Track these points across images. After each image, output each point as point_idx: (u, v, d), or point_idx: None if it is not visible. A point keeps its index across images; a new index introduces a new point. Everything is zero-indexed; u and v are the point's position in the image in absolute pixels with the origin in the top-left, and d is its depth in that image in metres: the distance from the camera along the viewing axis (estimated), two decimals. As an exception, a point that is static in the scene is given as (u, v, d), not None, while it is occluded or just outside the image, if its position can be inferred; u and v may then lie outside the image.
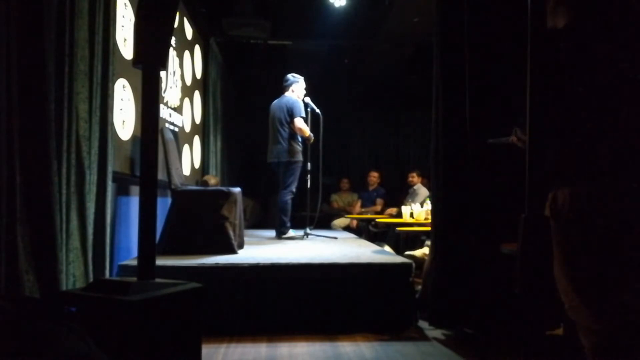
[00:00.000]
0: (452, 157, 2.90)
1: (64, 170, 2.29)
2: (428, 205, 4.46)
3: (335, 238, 4.72)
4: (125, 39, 3.30)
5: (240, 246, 3.59)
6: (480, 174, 2.81)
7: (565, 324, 2.32)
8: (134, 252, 3.29)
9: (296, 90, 4.76)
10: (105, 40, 2.71)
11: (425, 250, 4.14)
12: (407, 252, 4.24)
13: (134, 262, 2.57)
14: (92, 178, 2.52)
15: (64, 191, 2.29)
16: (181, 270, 2.80)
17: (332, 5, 5.71)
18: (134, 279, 1.92)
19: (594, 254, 1.37)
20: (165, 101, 4.29)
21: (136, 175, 3.40)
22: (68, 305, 1.79)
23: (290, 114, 4.57)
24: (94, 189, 2.54)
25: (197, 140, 5.64)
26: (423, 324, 3.00)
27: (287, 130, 4.60)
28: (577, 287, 1.42)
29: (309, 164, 4.72)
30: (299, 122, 4.54)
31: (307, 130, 4.60)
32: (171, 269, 2.80)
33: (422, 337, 2.81)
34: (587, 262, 1.38)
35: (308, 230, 4.73)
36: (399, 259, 3.24)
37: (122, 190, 3.33)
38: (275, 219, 4.76)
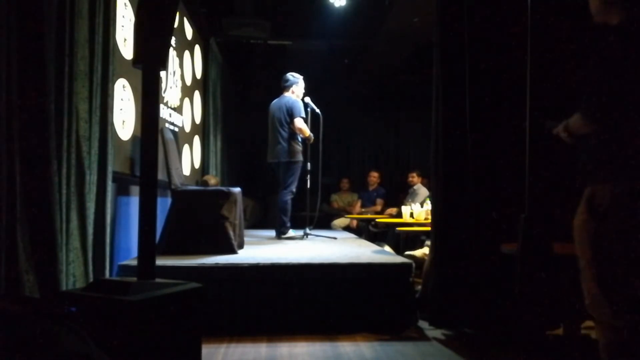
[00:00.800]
0: (452, 157, 2.90)
1: (64, 170, 2.29)
2: (428, 205, 4.46)
3: (335, 238, 4.72)
4: (125, 39, 3.30)
5: (240, 246, 3.59)
6: (480, 174, 2.81)
7: (565, 324, 2.32)
8: (134, 252, 3.29)
9: (296, 91, 4.75)
10: (105, 40, 2.71)
11: (425, 250, 4.13)
12: (407, 252, 4.24)
13: (134, 262, 2.57)
14: (92, 178, 2.52)
15: (64, 191, 2.29)
16: (181, 270, 2.80)
17: (332, 5, 5.71)
18: (134, 279, 1.92)
19: (628, 250, 1.38)
20: (165, 101, 4.29)
21: (136, 175, 3.40)
22: (68, 305, 1.78)
23: (290, 114, 4.57)
24: (94, 189, 2.54)
25: (197, 140, 5.64)
26: (423, 324, 2.99)
27: (286, 130, 4.59)
28: (603, 282, 1.43)
29: (309, 164, 4.72)
30: (299, 123, 4.54)
31: (307, 131, 4.59)
32: (171, 269, 2.80)
33: (422, 337, 2.81)
34: (619, 259, 1.39)
35: (308, 230, 4.72)
36: (399, 259, 3.24)
37: (122, 190, 3.33)
38: (275, 219, 4.75)
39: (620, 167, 1.41)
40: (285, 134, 4.58)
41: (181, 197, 3.50)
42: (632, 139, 1.40)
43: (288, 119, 4.58)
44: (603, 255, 1.43)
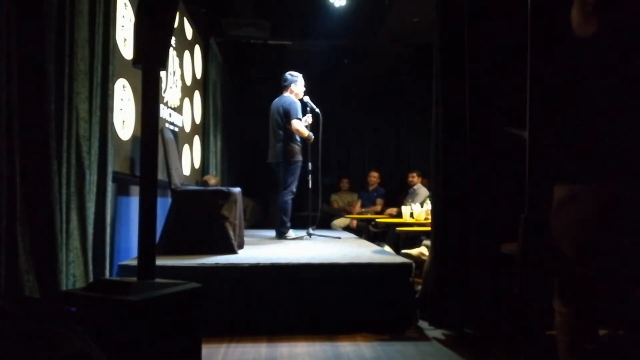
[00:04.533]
0: (452, 157, 2.90)
1: (64, 170, 2.29)
2: (428, 205, 4.46)
3: (339, 238, 4.72)
4: (125, 39, 3.30)
5: (240, 246, 3.59)
6: (480, 174, 2.81)
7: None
8: (134, 252, 3.29)
9: (295, 90, 4.73)
10: (105, 40, 2.71)
11: (422, 249, 4.14)
12: (404, 251, 4.24)
13: (134, 262, 2.57)
14: (92, 178, 2.52)
15: (64, 191, 2.29)
16: (181, 270, 2.80)
17: (332, 5, 5.72)
18: (134, 279, 1.92)
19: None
20: (165, 101, 4.29)
21: (136, 175, 3.40)
22: (68, 305, 1.79)
23: (286, 116, 4.54)
24: (94, 189, 2.54)
25: (197, 140, 5.64)
26: (423, 324, 2.99)
27: (283, 131, 4.57)
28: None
29: (310, 164, 4.71)
30: (296, 124, 4.51)
31: (304, 132, 4.57)
32: (171, 269, 2.80)
33: (422, 337, 2.82)
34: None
35: (311, 231, 4.72)
36: (399, 259, 3.24)
37: (122, 190, 3.33)
38: (275, 219, 4.75)
39: (575, 170, 1.53)
40: (281, 135, 4.56)
41: (181, 197, 3.50)
42: (591, 144, 1.49)
43: (284, 120, 4.56)
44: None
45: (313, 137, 4.68)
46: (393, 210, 6.35)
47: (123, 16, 3.28)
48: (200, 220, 3.41)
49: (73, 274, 2.35)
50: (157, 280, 1.96)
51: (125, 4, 3.35)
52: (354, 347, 2.59)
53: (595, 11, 1.53)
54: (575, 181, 1.51)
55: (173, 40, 4.38)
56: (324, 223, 6.55)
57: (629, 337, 1.63)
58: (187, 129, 5.15)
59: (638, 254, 1.45)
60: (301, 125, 4.54)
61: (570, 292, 1.57)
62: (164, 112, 4.22)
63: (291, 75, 4.78)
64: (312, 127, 4.75)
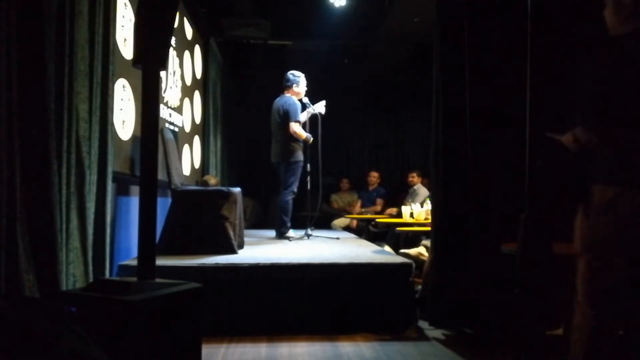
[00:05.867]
0: (452, 156, 2.90)
1: (64, 170, 2.28)
2: (428, 205, 4.46)
3: (338, 238, 4.72)
4: (125, 39, 3.30)
5: (240, 246, 3.59)
6: (480, 174, 2.81)
7: (565, 324, 2.32)
8: (134, 252, 3.29)
9: (297, 90, 4.72)
10: (105, 40, 2.71)
11: (421, 249, 4.14)
12: (402, 251, 4.24)
13: (134, 262, 2.57)
14: (92, 178, 2.52)
15: (64, 191, 2.29)
16: (181, 270, 2.80)
17: (332, 5, 5.71)
18: (134, 279, 1.92)
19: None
20: (165, 101, 4.29)
21: (136, 175, 3.40)
22: (68, 305, 1.79)
23: (286, 116, 4.53)
24: (94, 189, 2.54)
25: (197, 140, 5.64)
26: (423, 324, 3.00)
27: (283, 131, 4.56)
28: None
29: (309, 165, 4.70)
30: (294, 127, 4.48)
31: (302, 134, 4.55)
32: (171, 269, 2.80)
33: (422, 337, 2.82)
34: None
35: (309, 231, 4.71)
36: (398, 259, 3.24)
37: (122, 190, 3.32)
38: (275, 219, 4.74)
39: (619, 173, 1.51)
40: (282, 135, 4.56)
41: (181, 197, 3.50)
42: (634, 144, 1.46)
43: (284, 121, 4.55)
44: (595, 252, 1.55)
45: (312, 138, 4.66)
46: (393, 210, 6.35)
47: (123, 16, 3.28)
48: (200, 220, 3.41)
49: (73, 274, 2.35)
50: (157, 280, 1.96)
51: (125, 4, 3.35)
52: (354, 347, 2.59)
53: (633, 12, 1.54)
54: (612, 183, 1.51)
55: (173, 40, 4.38)
56: (324, 223, 6.54)
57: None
58: (187, 129, 5.15)
59: None
60: (299, 127, 4.52)
61: (601, 295, 1.55)
62: (164, 112, 4.22)
63: (293, 75, 4.75)
64: (311, 127, 4.74)
